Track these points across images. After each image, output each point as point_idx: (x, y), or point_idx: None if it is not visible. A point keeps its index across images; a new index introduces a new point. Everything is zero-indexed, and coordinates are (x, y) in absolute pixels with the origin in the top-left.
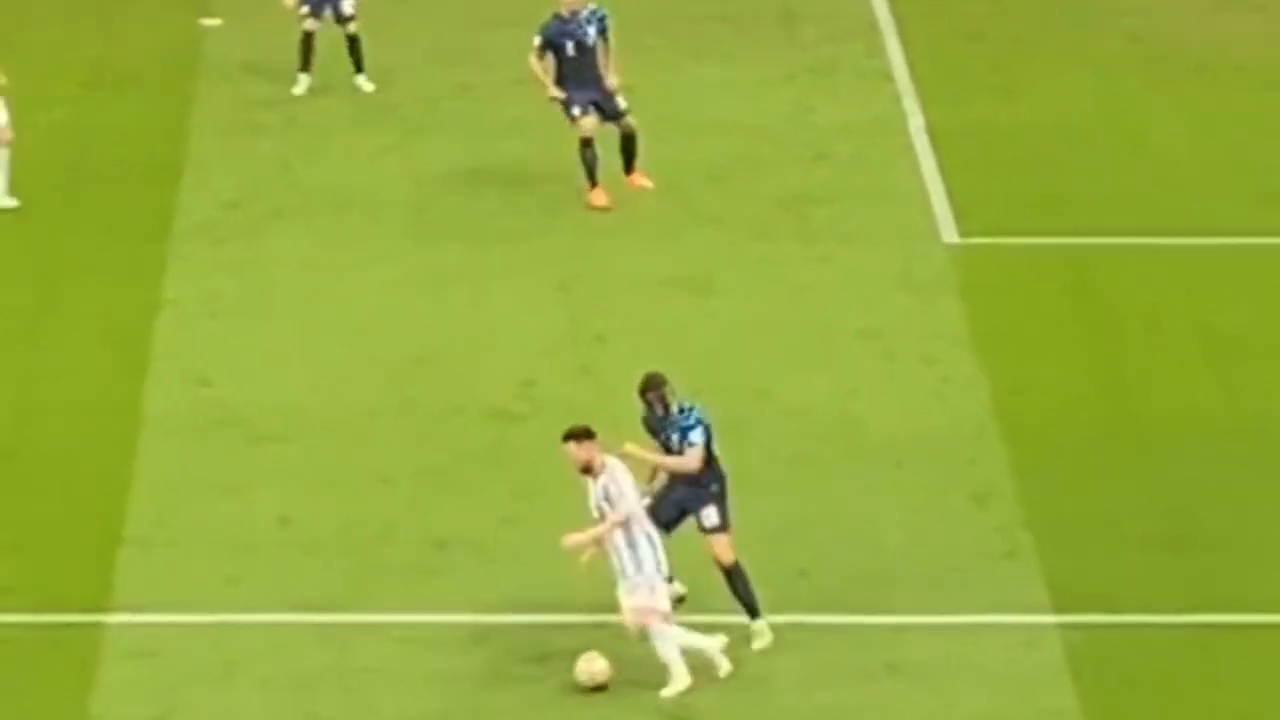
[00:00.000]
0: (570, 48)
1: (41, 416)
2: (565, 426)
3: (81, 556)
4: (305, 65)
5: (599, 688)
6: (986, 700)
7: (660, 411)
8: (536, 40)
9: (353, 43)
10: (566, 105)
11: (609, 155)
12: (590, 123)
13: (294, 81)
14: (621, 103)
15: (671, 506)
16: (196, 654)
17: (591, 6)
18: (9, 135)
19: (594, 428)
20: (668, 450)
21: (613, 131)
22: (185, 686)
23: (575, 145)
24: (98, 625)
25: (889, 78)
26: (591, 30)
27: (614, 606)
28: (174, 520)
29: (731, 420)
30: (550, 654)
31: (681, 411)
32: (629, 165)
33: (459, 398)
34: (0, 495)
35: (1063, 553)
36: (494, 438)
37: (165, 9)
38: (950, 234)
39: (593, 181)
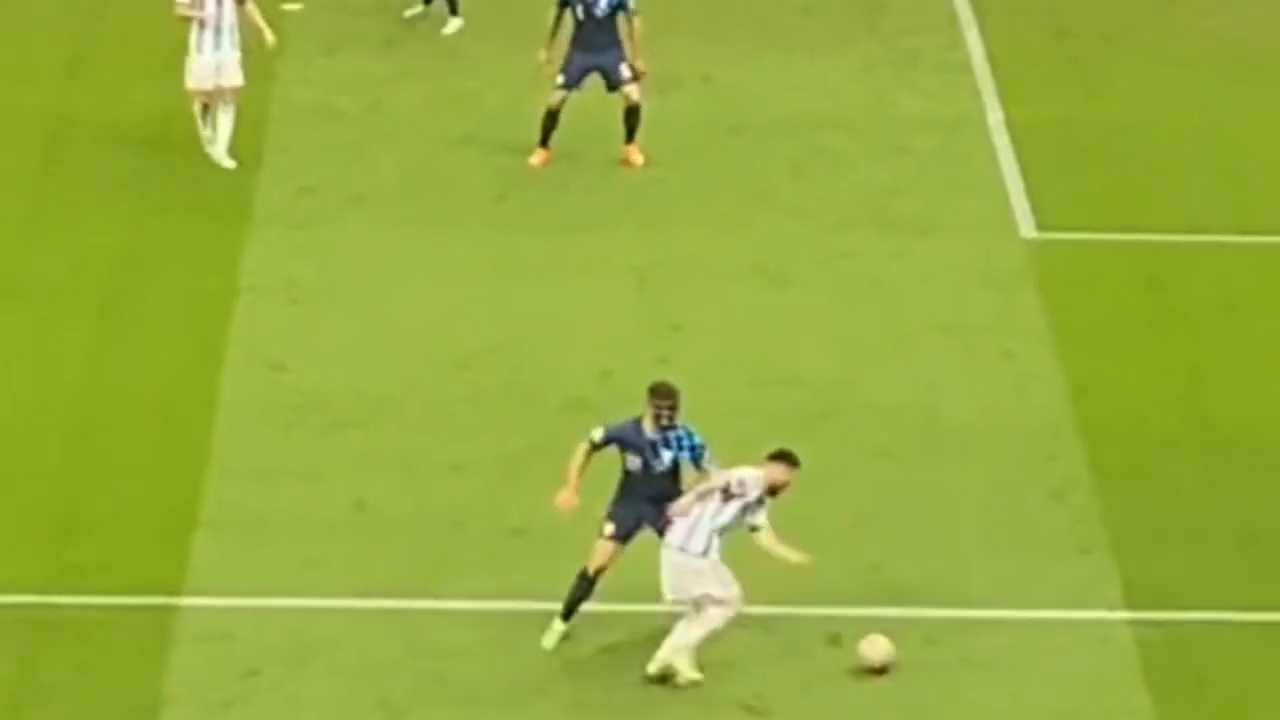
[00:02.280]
0: (580, 10)
1: (119, 400)
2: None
3: (157, 539)
4: (454, 9)
5: (881, 670)
6: (1058, 697)
7: (665, 423)
8: None
9: None
10: (559, 69)
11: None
12: (561, 98)
13: (444, 23)
14: (625, 71)
15: (631, 519)
16: (270, 638)
17: None
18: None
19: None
20: (647, 465)
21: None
22: (259, 670)
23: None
24: (172, 608)
25: (969, 71)
26: (603, 3)
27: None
28: (249, 504)
29: (809, 413)
30: (621, 643)
31: (685, 430)
32: (629, 135)
33: (535, 386)
34: (77, 477)
35: (1138, 549)
36: (570, 427)
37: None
38: (1029, 229)
39: (542, 143)
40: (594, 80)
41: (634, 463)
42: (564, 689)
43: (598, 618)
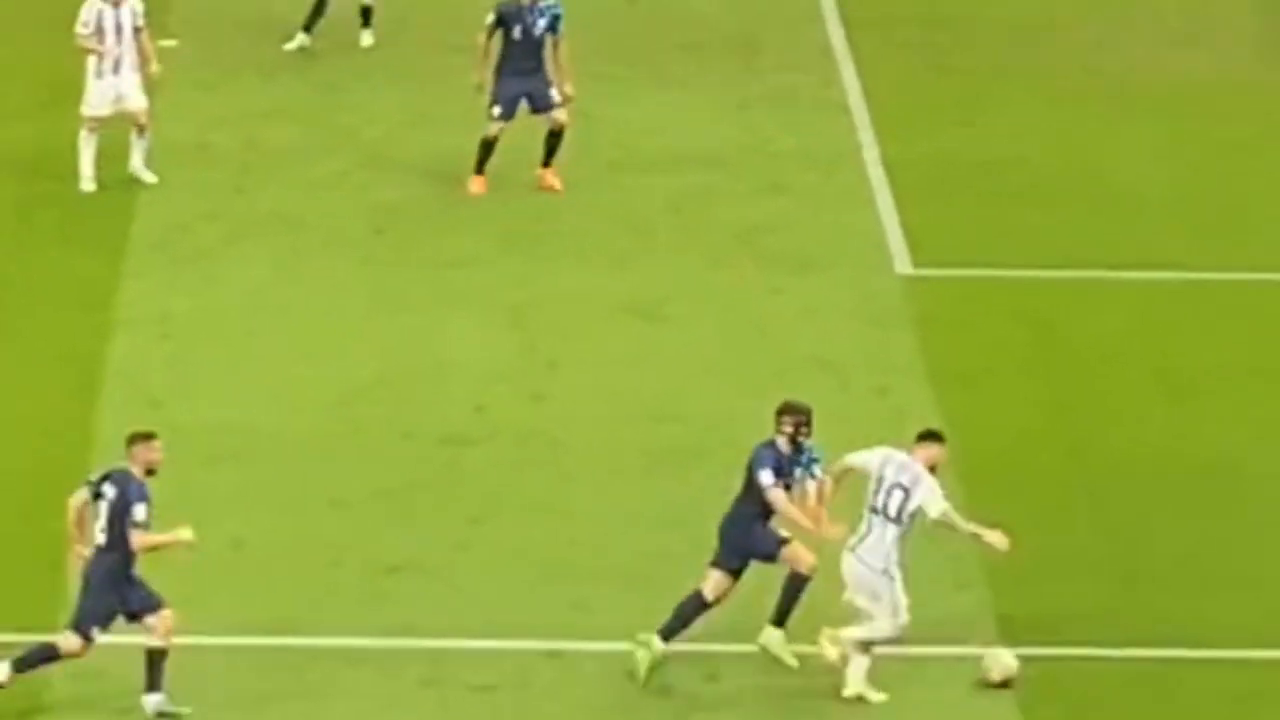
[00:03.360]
0: (517, 31)
1: None
2: (517, 452)
3: (32, 576)
4: (308, 26)
5: (1005, 683)
6: None
7: (802, 439)
8: (490, 17)
9: (365, 9)
10: (490, 100)
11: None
12: (499, 129)
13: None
14: (555, 96)
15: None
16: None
17: (549, 1)
18: None
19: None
20: (788, 489)
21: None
22: (133, 708)
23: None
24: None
25: (846, 108)
26: (541, 22)
27: (566, 634)
28: None
29: (685, 450)
30: (500, 682)
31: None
32: (547, 159)
33: (412, 422)
34: None
35: (1014, 586)
36: (446, 463)
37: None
38: (905, 265)
39: (478, 170)
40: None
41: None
42: None
43: (488, 656)
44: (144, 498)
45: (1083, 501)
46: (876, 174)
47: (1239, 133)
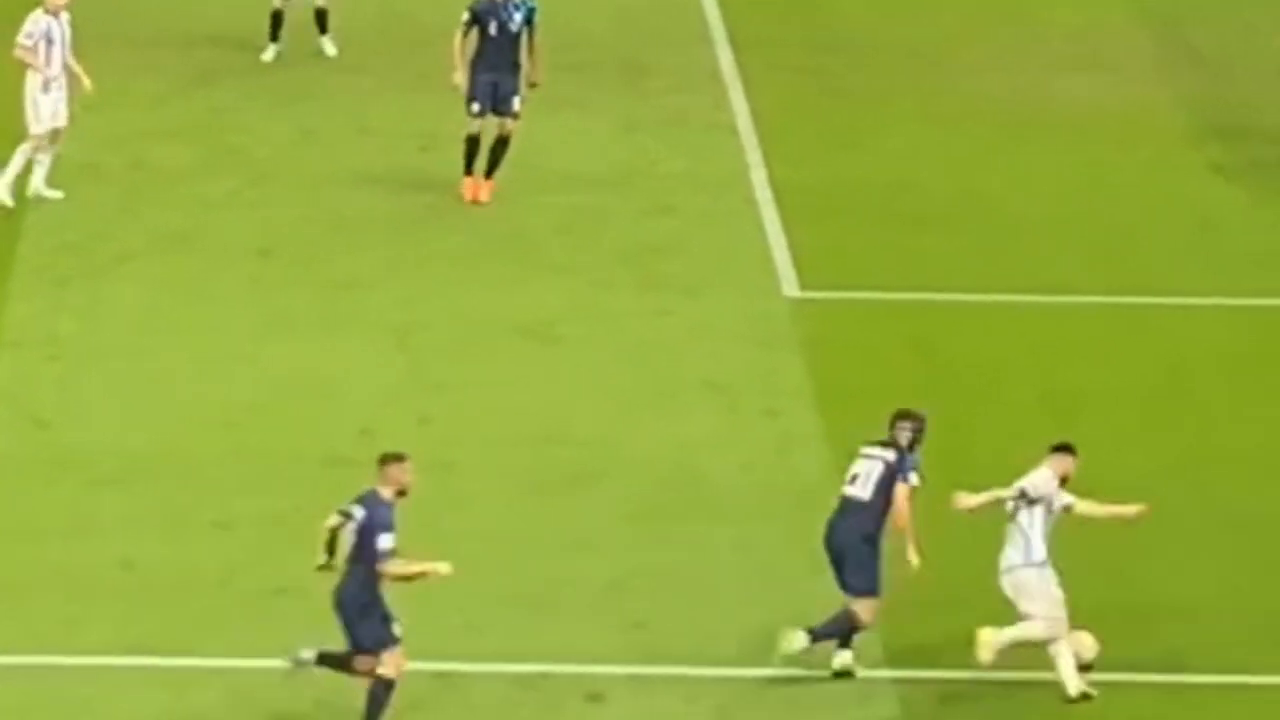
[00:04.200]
0: (493, 27)
1: None
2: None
3: None
4: (274, 35)
5: (1085, 667)
6: None
7: (913, 444)
8: (465, 15)
9: (321, 13)
10: (468, 98)
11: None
12: (480, 125)
13: (263, 49)
14: (516, 105)
15: None
16: (31, 697)
17: None
18: None
19: None
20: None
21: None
22: None
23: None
24: None
25: (734, 131)
26: (518, 16)
27: (456, 655)
28: (11, 563)
29: (573, 472)
30: (397, 703)
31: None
32: (490, 170)
33: (298, 444)
34: None
35: (901, 611)
36: (333, 485)
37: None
38: (792, 288)
39: (468, 170)
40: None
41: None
42: None
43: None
44: (388, 527)
45: (967, 525)
46: (765, 196)
47: (1127, 156)
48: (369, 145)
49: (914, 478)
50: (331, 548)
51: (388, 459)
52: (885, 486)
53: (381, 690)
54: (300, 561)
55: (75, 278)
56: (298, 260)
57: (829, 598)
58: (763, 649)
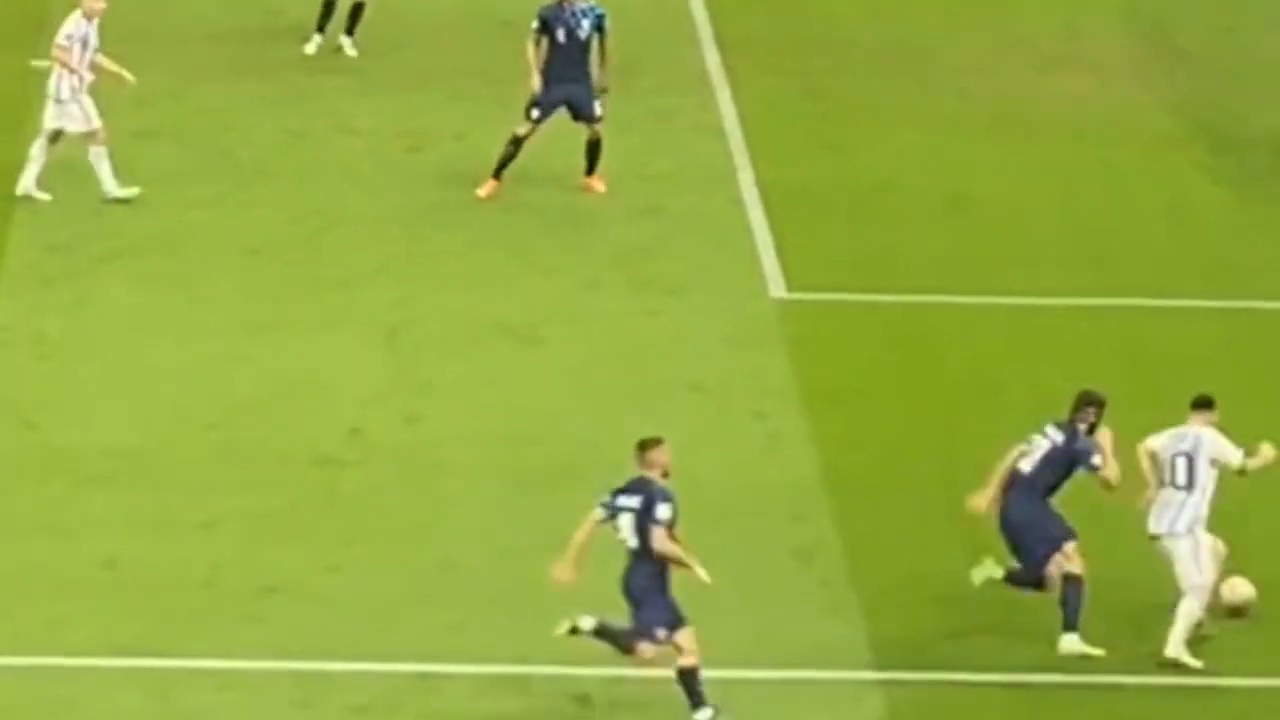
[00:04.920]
0: (561, 34)
1: None
2: (392, 474)
3: None
4: (321, 26)
5: (1237, 611)
6: None
7: (1083, 428)
8: (535, 22)
9: (356, 9)
10: (531, 103)
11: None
12: (529, 130)
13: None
14: (598, 109)
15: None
16: (16, 697)
17: (590, 3)
18: None
19: None
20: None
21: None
22: None
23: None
24: None
25: (722, 132)
26: (586, 24)
27: (439, 656)
28: None
29: (559, 471)
30: (373, 704)
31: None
32: (590, 168)
33: (286, 444)
34: None
35: (887, 609)
36: (321, 484)
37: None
38: (779, 289)
39: (496, 175)
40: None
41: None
42: None
43: (361, 678)
44: (668, 499)
45: (955, 524)
46: (751, 197)
47: (1112, 156)
48: (356, 145)
49: (1096, 459)
50: (581, 552)
51: (647, 444)
52: (1045, 466)
53: (692, 678)
54: (288, 560)
55: (62, 277)
56: (286, 260)
57: (818, 597)
58: (750, 649)
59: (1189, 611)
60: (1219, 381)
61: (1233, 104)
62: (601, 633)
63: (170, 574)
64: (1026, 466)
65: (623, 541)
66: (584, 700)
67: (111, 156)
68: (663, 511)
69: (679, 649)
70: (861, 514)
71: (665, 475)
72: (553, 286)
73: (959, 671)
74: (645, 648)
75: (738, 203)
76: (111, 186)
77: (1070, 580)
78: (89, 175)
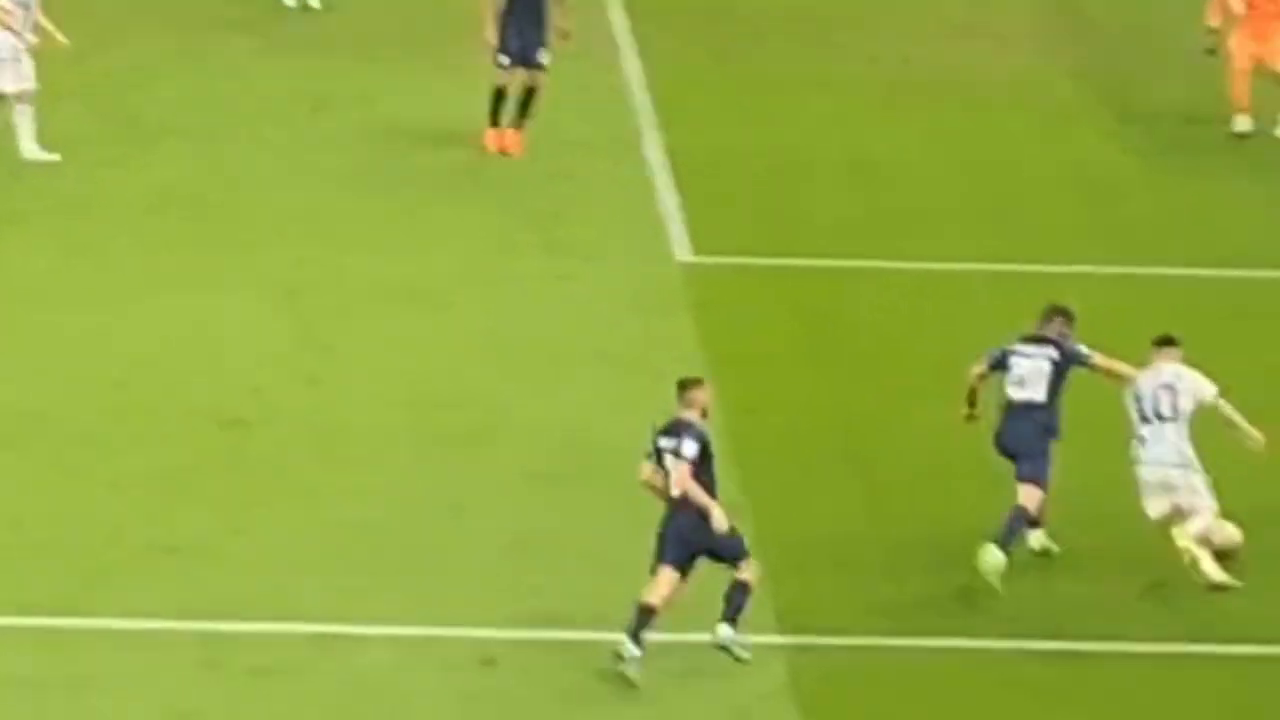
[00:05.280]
0: None
1: None
2: (296, 435)
3: None
4: None
5: (1224, 554)
6: (709, 717)
7: (1054, 335)
8: None
9: None
10: (496, 51)
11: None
12: (508, 78)
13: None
14: (544, 58)
15: None
16: None
17: None
18: None
19: None
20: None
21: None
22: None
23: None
24: None
25: (629, 96)
26: None
27: (342, 618)
28: None
29: (465, 435)
30: (277, 666)
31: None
32: (520, 119)
33: (189, 403)
34: None
35: (791, 574)
36: (223, 445)
37: None
38: (685, 253)
39: (493, 121)
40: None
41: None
42: (209, 709)
43: (263, 638)
44: (697, 436)
45: (858, 489)
46: (659, 162)
47: (1018, 123)
48: (260, 106)
49: (1093, 354)
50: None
51: (688, 384)
52: (1056, 383)
53: (743, 593)
54: (192, 520)
55: None
56: (188, 220)
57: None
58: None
59: (1203, 529)
60: (1122, 346)
61: (1137, 72)
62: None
63: (75, 534)
64: (1038, 395)
65: (665, 480)
66: (490, 662)
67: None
68: (688, 449)
69: (745, 569)
70: (767, 478)
71: (704, 415)
72: (459, 250)
73: (863, 636)
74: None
75: (646, 168)
76: (32, 148)
77: (1019, 510)
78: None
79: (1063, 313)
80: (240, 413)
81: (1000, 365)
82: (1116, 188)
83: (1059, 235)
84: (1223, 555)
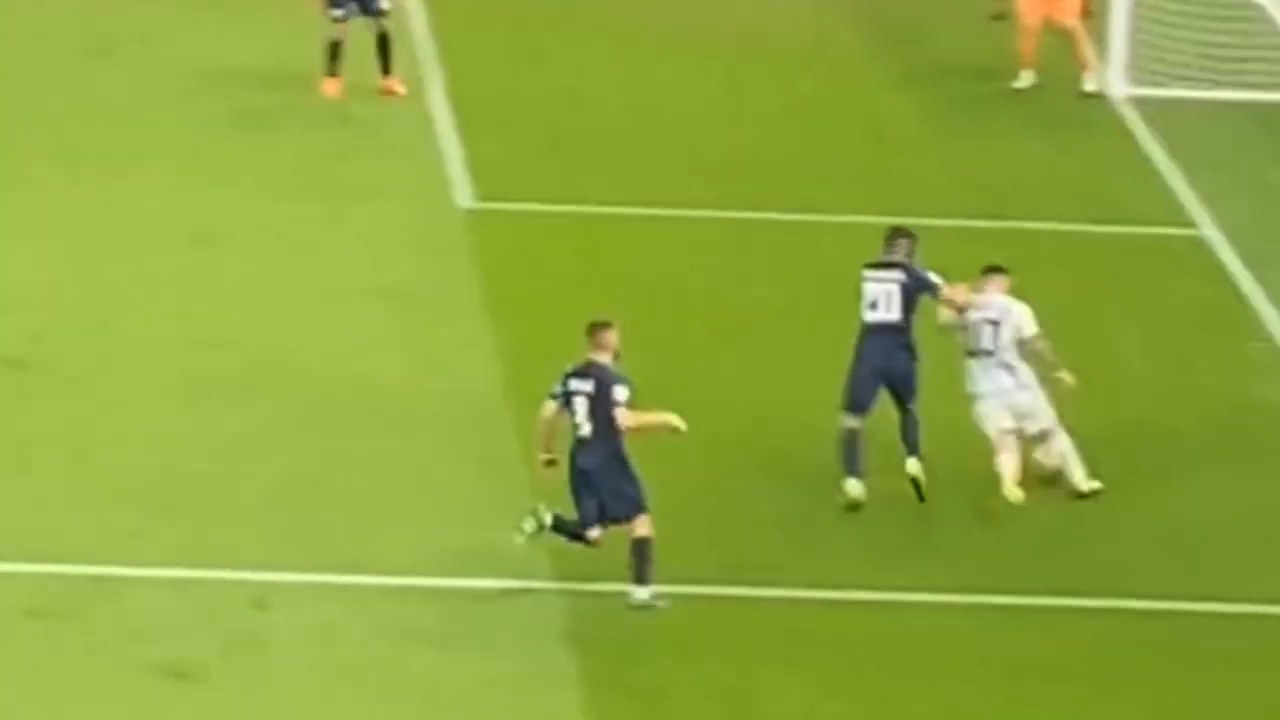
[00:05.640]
0: None
1: None
2: (72, 377)
3: None
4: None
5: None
6: (483, 662)
7: (900, 258)
8: None
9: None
10: (328, 3)
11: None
12: (341, 30)
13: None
14: (385, 3)
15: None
16: None
17: None
18: None
19: None
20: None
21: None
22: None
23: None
24: None
25: (412, 41)
26: None
27: (118, 559)
28: None
29: (243, 377)
30: (53, 608)
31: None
32: (385, 68)
33: None
34: None
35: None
36: (2, 387)
37: None
38: (466, 198)
39: (331, 72)
40: None
41: None
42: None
43: (35, 579)
44: (622, 380)
45: (633, 435)
46: (441, 107)
47: (800, 73)
48: (42, 47)
49: (940, 284)
50: (551, 441)
51: (598, 326)
52: (909, 304)
53: (647, 548)
54: None
55: None
56: None
57: (499, 505)
58: (429, 557)
59: (1063, 448)
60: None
61: (921, 19)
62: (558, 528)
63: None
64: (891, 315)
65: (576, 427)
66: (264, 605)
67: None
68: (620, 393)
69: (638, 523)
70: None
71: (616, 358)
72: (237, 191)
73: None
74: (598, 534)
75: (427, 111)
76: None
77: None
78: None
79: (906, 234)
80: (19, 354)
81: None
82: (901, 137)
83: (841, 185)
84: (1048, 480)
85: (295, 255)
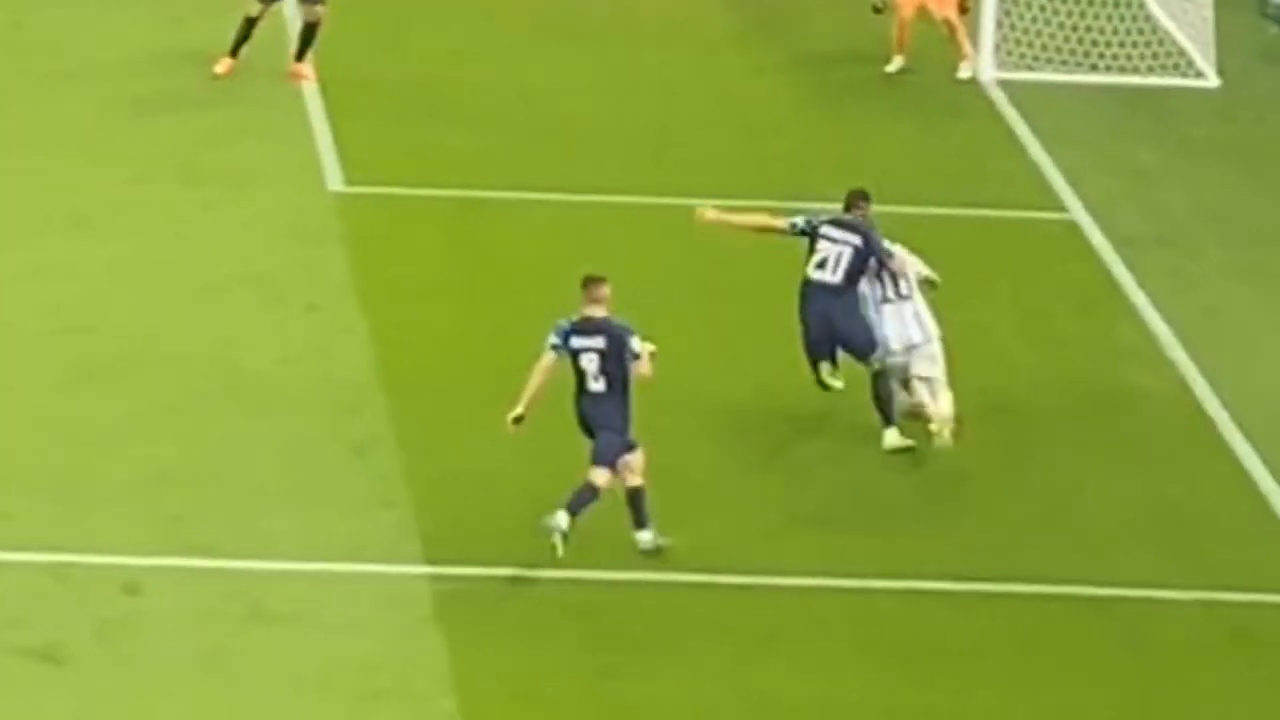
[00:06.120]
0: None
1: None
2: None
3: None
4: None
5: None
6: (357, 647)
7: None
8: None
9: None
10: None
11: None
12: (260, 9)
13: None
14: None
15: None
16: None
17: None
18: None
19: None
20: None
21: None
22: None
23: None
24: None
25: (282, 26)
26: None
27: (43, 545)
28: None
29: (110, 363)
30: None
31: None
32: (301, 53)
33: None
34: None
35: (438, 504)
36: None
37: None
38: (336, 183)
39: (233, 52)
40: None
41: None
42: None
43: None
44: (634, 331)
45: (501, 419)
46: (311, 91)
47: (671, 56)
48: None
49: (893, 255)
50: (539, 395)
51: (592, 281)
52: (855, 271)
53: (642, 495)
54: None
55: None
56: None
57: (371, 491)
58: (301, 542)
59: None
60: (776, 276)
61: (797, 10)
62: (574, 514)
63: None
64: (834, 278)
65: (583, 383)
66: (135, 590)
67: None
68: (637, 345)
69: (630, 471)
70: (416, 408)
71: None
72: (107, 177)
73: (509, 567)
74: (601, 473)
75: (297, 95)
76: None
77: (882, 378)
78: None
79: (863, 195)
80: None
81: (804, 235)
82: (767, 123)
83: (710, 169)
84: (912, 414)
85: (170, 241)
